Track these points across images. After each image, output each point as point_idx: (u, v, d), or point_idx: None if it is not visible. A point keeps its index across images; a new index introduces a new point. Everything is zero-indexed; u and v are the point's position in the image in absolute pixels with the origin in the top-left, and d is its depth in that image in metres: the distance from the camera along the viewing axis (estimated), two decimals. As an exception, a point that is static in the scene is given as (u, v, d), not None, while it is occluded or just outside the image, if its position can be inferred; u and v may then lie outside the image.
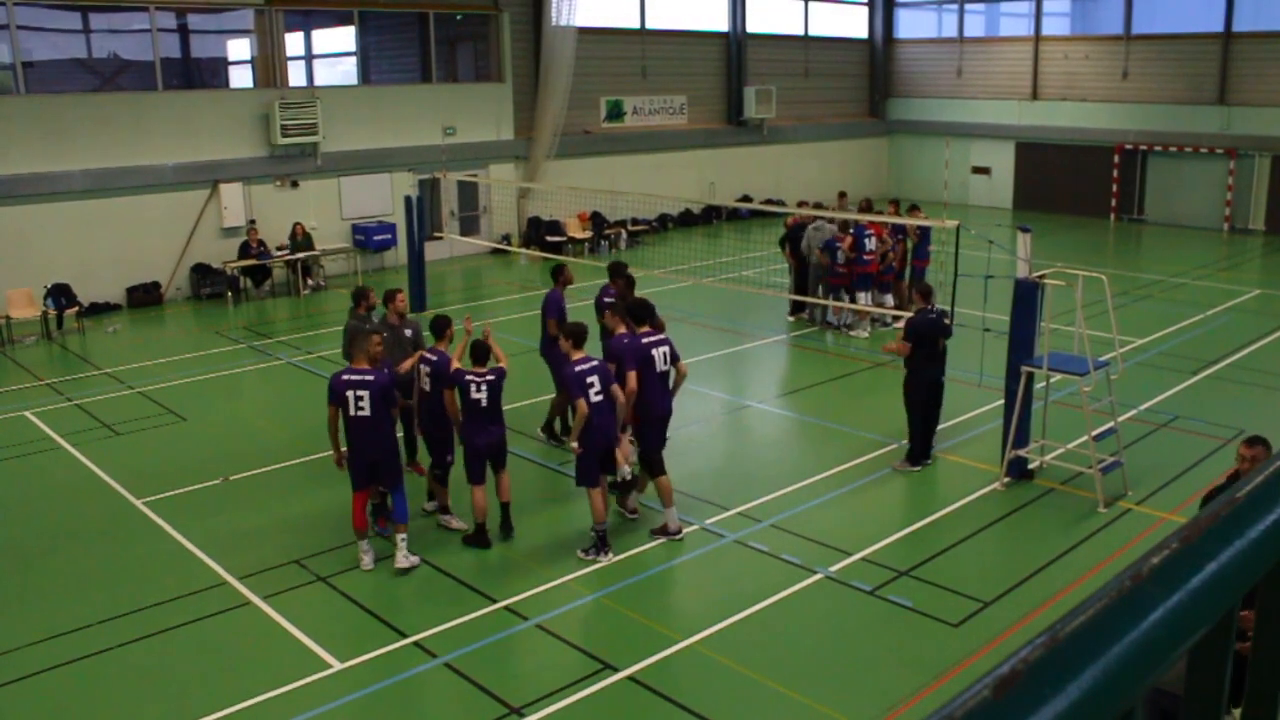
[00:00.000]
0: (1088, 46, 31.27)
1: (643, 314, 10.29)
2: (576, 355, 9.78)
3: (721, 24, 31.21)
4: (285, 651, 8.33)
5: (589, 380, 9.60)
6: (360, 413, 9.17)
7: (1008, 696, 0.82)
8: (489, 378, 9.79)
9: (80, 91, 21.13)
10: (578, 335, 9.94)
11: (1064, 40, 32.02)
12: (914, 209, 18.90)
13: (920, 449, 11.84)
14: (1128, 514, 10.58)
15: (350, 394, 9.16)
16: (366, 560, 9.63)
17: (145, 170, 20.69)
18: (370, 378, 9.20)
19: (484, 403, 9.76)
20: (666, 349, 10.18)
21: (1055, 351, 11.51)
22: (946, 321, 11.93)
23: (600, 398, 9.67)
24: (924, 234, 17.69)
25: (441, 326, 10.25)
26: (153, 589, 9.34)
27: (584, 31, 26.60)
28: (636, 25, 29.16)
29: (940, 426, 12.71)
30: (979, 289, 12.62)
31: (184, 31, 22.90)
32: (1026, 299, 10.94)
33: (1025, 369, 10.97)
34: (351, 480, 9.53)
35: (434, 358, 9.98)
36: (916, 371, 11.55)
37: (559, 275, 12.58)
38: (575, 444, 9.70)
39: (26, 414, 14.26)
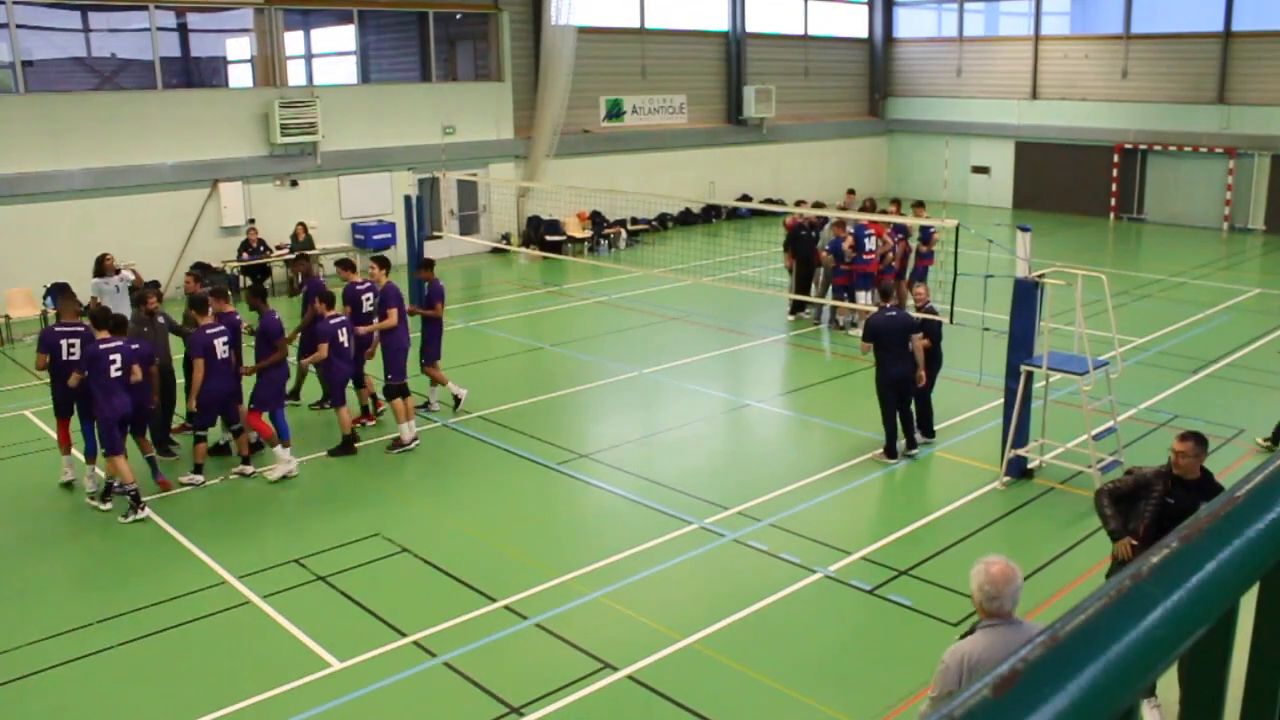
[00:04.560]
0: (1087, 46, 31.27)
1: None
2: (328, 313, 12.32)
3: (721, 23, 31.21)
4: (284, 650, 8.33)
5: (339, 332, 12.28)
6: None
7: (1007, 695, 0.82)
8: (344, 320, 12.45)
9: (80, 90, 21.13)
10: (329, 299, 12.48)
11: (1064, 40, 32.03)
12: (918, 206, 18.83)
13: (893, 443, 12.02)
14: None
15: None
16: (69, 473, 11.61)
17: (145, 169, 20.68)
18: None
19: (346, 343, 12.37)
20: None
21: (1055, 351, 11.51)
22: (925, 318, 12.10)
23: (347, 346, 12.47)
24: (923, 232, 17.68)
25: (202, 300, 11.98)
26: (152, 588, 9.34)
27: (584, 31, 26.60)
28: (636, 24, 29.17)
29: (939, 425, 12.75)
30: (978, 288, 12.63)
31: (184, 30, 22.92)
32: (1026, 298, 10.94)
33: (1025, 368, 10.98)
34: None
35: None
36: (880, 368, 11.84)
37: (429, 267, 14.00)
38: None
39: (26, 413, 14.26)
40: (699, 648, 8.26)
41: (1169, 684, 6.66)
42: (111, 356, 10.73)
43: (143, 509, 10.80)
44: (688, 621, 8.62)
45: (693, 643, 8.31)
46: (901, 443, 12.07)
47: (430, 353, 13.56)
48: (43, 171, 19.56)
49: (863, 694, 7.76)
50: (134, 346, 11.03)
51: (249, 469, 11.87)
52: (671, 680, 7.81)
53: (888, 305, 12.01)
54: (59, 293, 12.41)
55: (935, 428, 12.69)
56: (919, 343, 11.87)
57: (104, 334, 10.91)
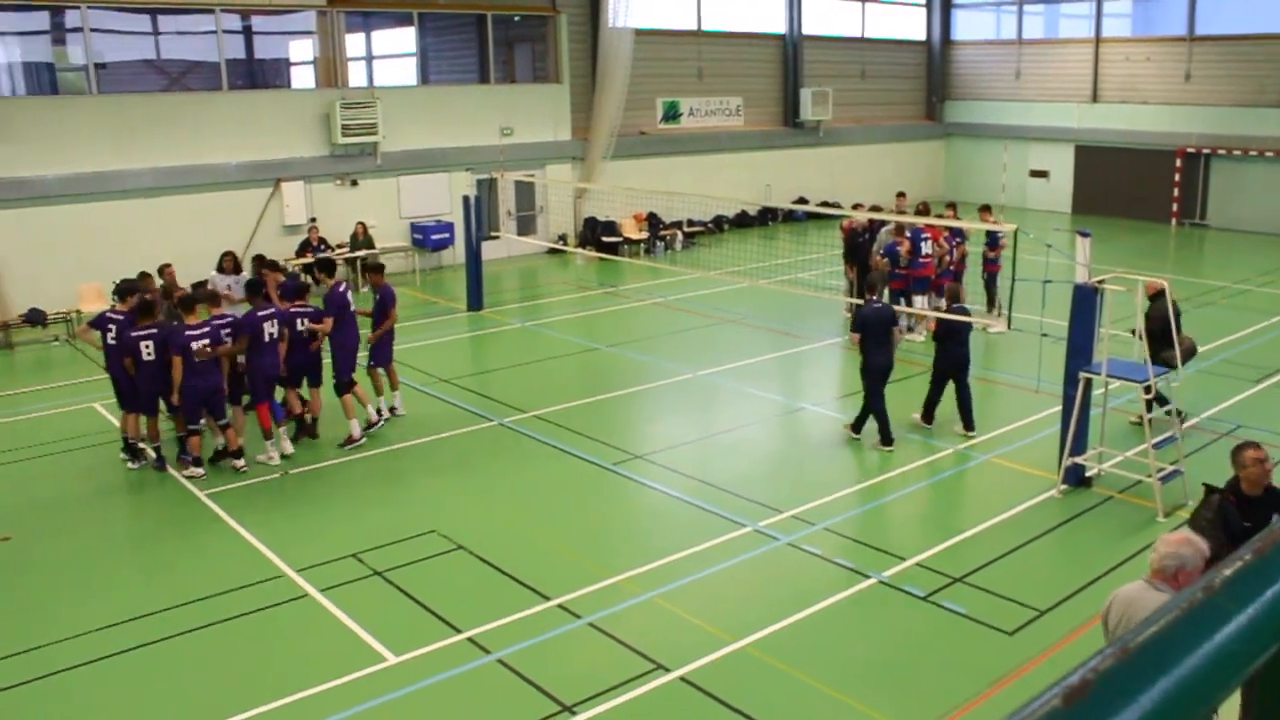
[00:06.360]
0: (1149, 48, 30.74)
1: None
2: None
3: (778, 25, 31.11)
4: (341, 644, 8.46)
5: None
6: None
7: (1077, 705, 0.84)
8: (308, 311, 12.84)
9: (149, 92, 21.57)
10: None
11: (1125, 42, 31.50)
12: (984, 210, 18.52)
13: (863, 421, 12.76)
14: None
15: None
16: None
17: (210, 169, 21.08)
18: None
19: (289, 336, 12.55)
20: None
21: (1114, 358, 11.35)
22: (951, 318, 12.59)
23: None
24: (991, 237, 17.52)
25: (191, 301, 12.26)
26: (213, 580, 9.53)
27: (641, 33, 26.66)
28: (693, 27, 29.16)
29: (995, 431, 12.66)
30: (1037, 293, 12.48)
31: (248, 33, 23.27)
32: (1085, 304, 10.82)
33: (1083, 375, 10.85)
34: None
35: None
36: (866, 357, 12.62)
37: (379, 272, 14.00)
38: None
39: (95, 406, 14.57)
40: (751, 651, 8.26)
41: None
42: (108, 325, 12.15)
43: (138, 461, 12.31)
44: (740, 624, 8.62)
45: (745, 646, 8.31)
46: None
47: (379, 356, 13.61)
48: (113, 170, 20.02)
49: (916, 701, 7.72)
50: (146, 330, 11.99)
51: (239, 463, 12.11)
52: (723, 683, 7.82)
53: (873, 298, 12.79)
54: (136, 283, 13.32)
55: (989, 434, 12.59)
56: (898, 335, 12.92)
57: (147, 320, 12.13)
